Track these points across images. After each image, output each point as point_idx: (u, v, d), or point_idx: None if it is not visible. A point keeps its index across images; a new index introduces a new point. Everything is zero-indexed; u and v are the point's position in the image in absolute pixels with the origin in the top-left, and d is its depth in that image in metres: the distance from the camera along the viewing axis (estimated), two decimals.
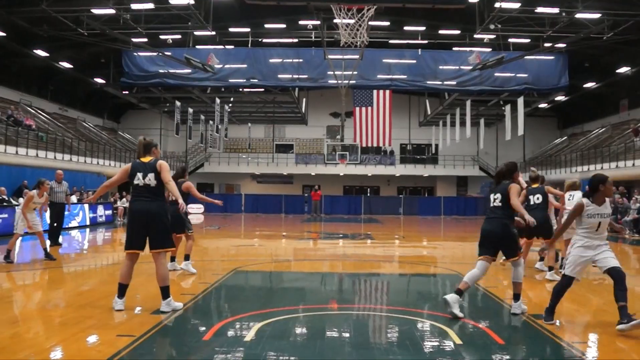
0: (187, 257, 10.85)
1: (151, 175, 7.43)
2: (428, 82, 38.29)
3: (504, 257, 8.63)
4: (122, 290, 7.52)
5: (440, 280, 11.60)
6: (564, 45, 33.29)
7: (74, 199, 25.19)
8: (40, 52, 34.21)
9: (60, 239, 16.57)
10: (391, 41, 37.59)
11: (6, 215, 19.61)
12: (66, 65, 37.58)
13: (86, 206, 25.55)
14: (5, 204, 20.41)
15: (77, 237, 20.59)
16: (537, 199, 10.94)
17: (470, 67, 35.01)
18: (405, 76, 38.23)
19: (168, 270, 7.73)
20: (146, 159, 7.58)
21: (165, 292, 7.47)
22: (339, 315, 7.75)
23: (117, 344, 5.87)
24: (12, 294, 9.10)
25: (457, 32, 35.26)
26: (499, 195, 7.75)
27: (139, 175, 7.46)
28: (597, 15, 28.41)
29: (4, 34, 30.72)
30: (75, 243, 18.70)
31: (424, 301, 9.10)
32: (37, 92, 39.76)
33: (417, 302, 8.98)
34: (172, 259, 11.03)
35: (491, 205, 7.85)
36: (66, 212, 16.84)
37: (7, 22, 29.43)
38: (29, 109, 36.56)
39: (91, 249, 17.60)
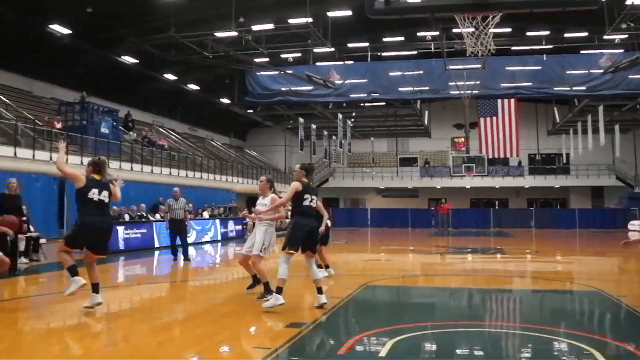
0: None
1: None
2: (555, 88, 36.87)
3: None
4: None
5: (577, 297, 11.03)
6: None
7: (205, 214, 26.16)
8: (170, 76, 36.00)
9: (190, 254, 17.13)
10: (514, 48, 36.55)
11: (145, 231, 20.71)
12: (193, 87, 39.26)
13: (217, 221, 26.45)
14: (143, 219, 21.46)
15: (210, 252, 21.27)
16: None
17: (601, 71, 33.44)
18: (530, 83, 37.03)
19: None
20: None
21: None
22: (471, 333, 7.50)
23: (254, 356, 6.04)
24: (152, 306, 9.55)
25: (585, 34, 33.78)
26: None
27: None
28: None
29: (136, 61, 32.50)
30: (208, 257, 19.29)
31: (561, 319, 8.63)
32: (168, 114, 41.79)
33: (553, 320, 8.53)
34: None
35: None
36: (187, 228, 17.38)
37: (139, 49, 31.17)
38: (161, 129, 38.47)
39: (222, 263, 18.09)
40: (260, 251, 9.18)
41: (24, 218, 12.87)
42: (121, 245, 19.01)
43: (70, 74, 31.56)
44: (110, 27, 28.73)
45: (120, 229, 19.26)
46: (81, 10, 26.52)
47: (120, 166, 25.28)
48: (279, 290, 8.11)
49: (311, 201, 8.62)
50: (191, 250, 18.43)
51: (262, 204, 9.51)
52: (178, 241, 16.39)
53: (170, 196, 16.43)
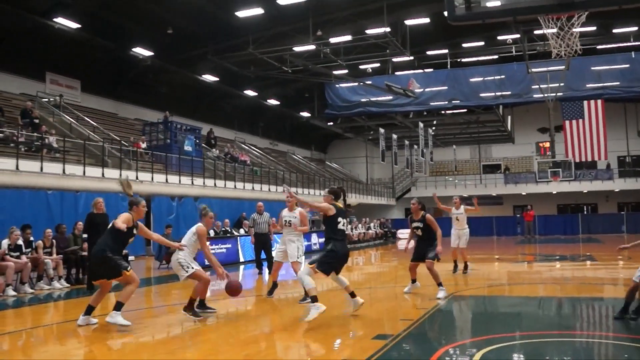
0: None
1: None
2: None
3: None
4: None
5: None
6: None
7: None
8: (250, 92, 36.73)
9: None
10: (599, 46, 35.44)
11: (230, 245, 21.08)
12: (273, 102, 39.92)
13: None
14: (228, 234, 21.82)
15: None
16: None
17: None
18: (618, 83, 35.82)
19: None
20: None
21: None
22: (562, 343, 7.25)
23: None
24: (238, 319, 9.68)
25: None
26: None
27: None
28: None
29: (217, 79, 33.28)
30: (293, 271, 19.34)
31: None
32: (249, 130, 42.54)
33: None
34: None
35: None
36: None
37: (219, 67, 31.93)
38: (243, 145, 39.13)
39: None
40: (298, 258, 10.98)
41: None
42: (206, 260, 19.28)
43: (153, 94, 32.62)
44: (190, 47, 29.58)
45: None
46: (162, 32, 27.35)
47: (204, 183, 25.81)
48: (316, 299, 8.27)
49: (343, 224, 8.90)
50: None
51: (292, 216, 11.10)
52: (263, 255, 16.56)
53: (254, 211, 16.61)
